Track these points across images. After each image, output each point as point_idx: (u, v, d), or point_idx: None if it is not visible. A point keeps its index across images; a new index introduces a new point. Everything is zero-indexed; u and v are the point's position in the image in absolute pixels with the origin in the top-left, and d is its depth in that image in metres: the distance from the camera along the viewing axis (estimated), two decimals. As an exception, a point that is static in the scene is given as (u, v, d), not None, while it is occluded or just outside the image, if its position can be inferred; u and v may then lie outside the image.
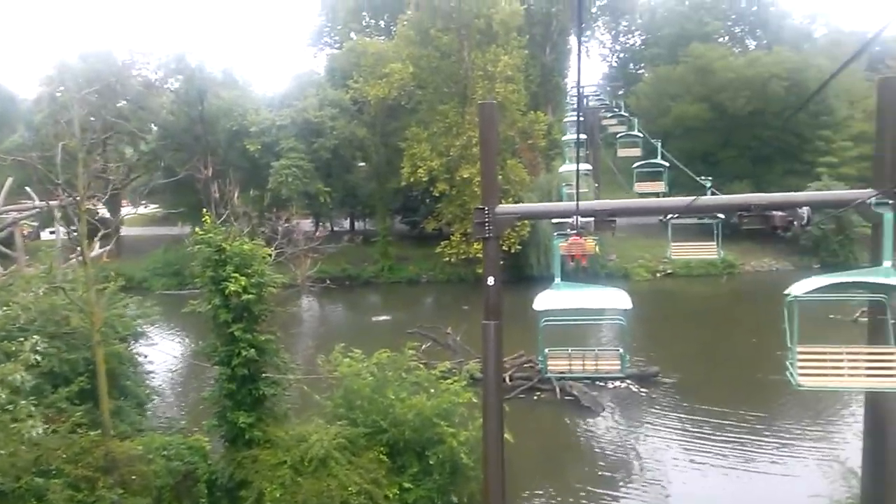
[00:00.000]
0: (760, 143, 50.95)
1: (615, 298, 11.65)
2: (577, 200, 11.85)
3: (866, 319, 30.27)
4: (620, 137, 37.78)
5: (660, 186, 30.46)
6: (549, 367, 11.98)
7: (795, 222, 11.76)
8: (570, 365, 11.87)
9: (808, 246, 47.86)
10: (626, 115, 45.12)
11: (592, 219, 12.20)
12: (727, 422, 21.11)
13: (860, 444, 18.23)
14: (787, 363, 10.43)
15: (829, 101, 51.32)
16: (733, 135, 54.06)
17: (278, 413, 16.43)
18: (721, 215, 17.16)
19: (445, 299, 44.88)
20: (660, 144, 28.56)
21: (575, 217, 11.76)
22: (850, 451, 16.20)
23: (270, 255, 16.18)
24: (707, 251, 17.76)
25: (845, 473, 14.41)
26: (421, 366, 17.74)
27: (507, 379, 24.71)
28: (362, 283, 49.79)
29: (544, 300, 11.54)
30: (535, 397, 24.22)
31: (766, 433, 20.33)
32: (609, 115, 47.37)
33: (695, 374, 25.94)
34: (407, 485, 15.51)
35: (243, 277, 14.69)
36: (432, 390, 16.70)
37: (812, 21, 69.78)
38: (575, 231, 12.26)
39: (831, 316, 33.98)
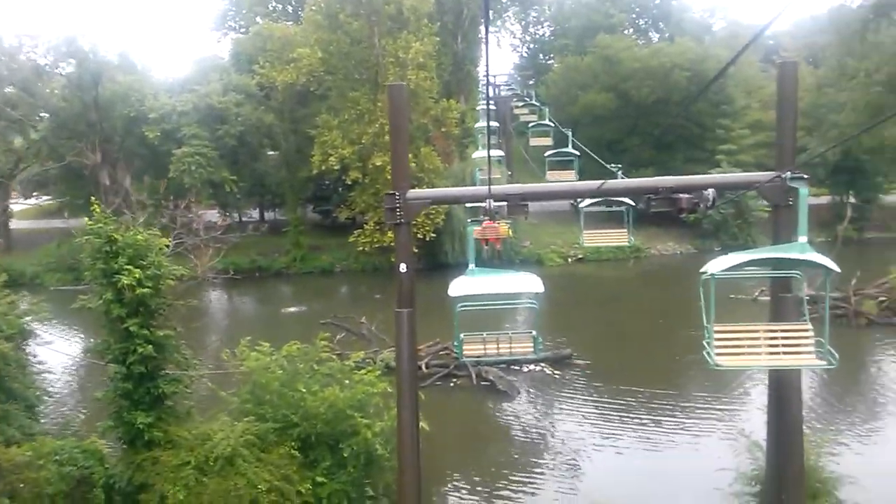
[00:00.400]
0: (664, 131, 52.66)
1: (528, 283, 11.72)
2: (490, 185, 11.63)
3: (767, 298, 31.95)
4: (532, 127, 38.06)
5: (571, 175, 30.98)
6: (464, 352, 11.97)
7: (701, 204, 11.96)
8: (485, 349, 11.88)
9: (709, 230, 49.95)
10: (538, 104, 45.58)
11: (505, 203, 12.06)
12: (638, 401, 21.64)
13: (764, 418, 19.19)
14: (704, 343, 10.34)
15: (728, 91, 53.61)
16: (639, 123, 55.69)
17: (180, 412, 15.54)
18: (631, 202, 17.47)
19: (360, 289, 44.21)
20: (570, 133, 28.86)
21: (488, 201, 11.54)
22: (755, 424, 16.86)
23: (168, 246, 15.23)
24: (618, 238, 17.93)
25: (750, 446, 14.90)
26: (334, 357, 17.19)
27: (424, 367, 24.50)
28: (274, 275, 48.34)
29: (459, 286, 11.38)
30: (452, 384, 24.11)
31: (675, 411, 20.96)
32: (521, 104, 47.73)
33: (606, 356, 26.51)
34: (320, 479, 14.99)
35: (137, 270, 13.73)
36: (346, 381, 16.22)
37: (711, 15, 72.83)
38: (488, 216, 12.13)
39: (731, 296, 35.68)
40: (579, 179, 35.66)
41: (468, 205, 16.12)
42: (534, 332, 11.90)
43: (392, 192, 12.13)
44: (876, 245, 49.09)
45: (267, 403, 15.60)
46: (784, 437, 11.96)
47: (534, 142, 36.89)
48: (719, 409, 21.10)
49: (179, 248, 16.08)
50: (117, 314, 13.94)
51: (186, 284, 16.58)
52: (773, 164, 12.75)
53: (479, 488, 16.91)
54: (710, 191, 11.78)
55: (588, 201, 17.86)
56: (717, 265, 9.79)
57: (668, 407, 21.20)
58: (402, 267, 12.28)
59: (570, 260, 48.77)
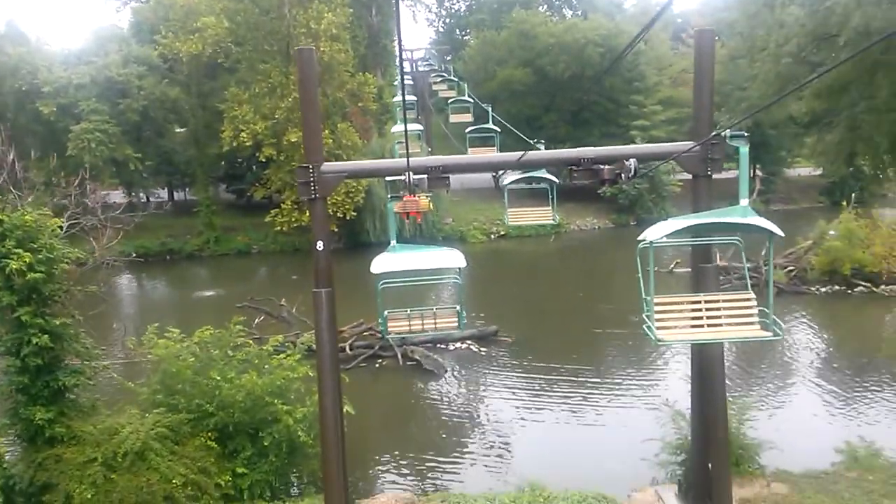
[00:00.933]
0: (580, 107, 53.38)
1: (450, 258, 11.55)
2: (408, 157, 11.10)
3: (684, 270, 32.81)
4: (452, 103, 37.54)
5: (492, 151, 30.86)
6: (389, 329, 11.69)
7: (623, 175, 11.86)
8: (409, 325, 11.63)
9: (625, 205, 51.11)
10: (456, 79, 45.09)
11: (425, 177, 11.61)
12: (562, 375, 21.76)
13: (686, 387, 19.64)
14: (644, 316, 9.90)
15: (640, 69, 54.71)
16: (555, 99, 56.13)
17: (84, 405, 14.39)
18: (554, 178, 17.28)
19: (279, 270, 42.92)
20: (490, 109, 28.54)
21: (407, 174, 11.01)
22: (677, 394, 17.22)
23: (61, 227, 13.94)
24: (542, 215, 17.56)
25: (674, 416, 15.13)
26: (250, 342, 16.34)
27: (348, 348, 23.90)
28: (186, 258, 46.24)
29: (381, 263, 11.07)
30: (378, 365, 23.60)
31: (600, 384, 21.17)
32: (439, 79, 47.10)
33: (530, 331, 26.61)
34: (241, 470, 14.26)
35: (28, 253, 12.48)
36: (265, 367, 15.45)
37: (622, -8, 74.09)
38: (408, 190, 11.67)
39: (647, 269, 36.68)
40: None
41: (388, 179, 15.49)
42: (458, 307, 11.72)
43: (305, 165, 11.42)
44: (781, 217, 51.46)
45: (179, 393, 14.67)
46: (708, 407, 12.09)
47: (454, 118, 36.35)
48: (642, 381, 21.47)
49: (75, 229, 14.73)
50: (7, 302, 12.68)
51: (87, 269, 15.30)
52: (684, 139, 12.80)
53: (407, 470, 16.56)
54: (632, 161, 11.70)
55: (511, 177, 17.53)
56: (655, 232, 9.46)
57: (592, 380, 21.40)
58: (319, 244, 11.62)
59: (492, 237, 48.92)
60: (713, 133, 12.05)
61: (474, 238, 47.77)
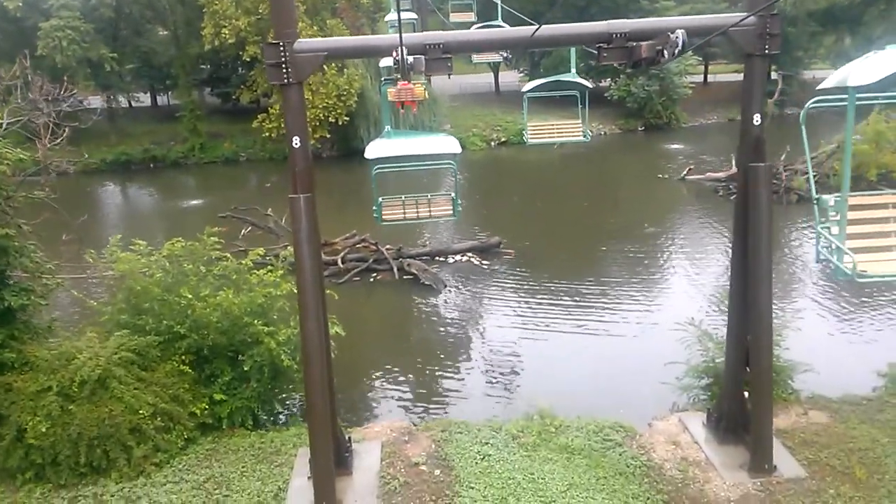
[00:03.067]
0: (587, 2, 49.72)
1: (445, 143, 11.34)
2: (401, 32, 8.94)
3: (696, 177, 30.82)
4: (452, 0, 34.40)
5: (470, 16, 29.50)
6: (383, 217, 11.33)
7: (665, 52, 9.70)
8: (404, 213, 11.40)
9: (633, 109, 48.48)
10: (455, -28, 41.48)
11: (423, 57, 9.46)
12: (570, 293, 20.18)
13: (708, 306, 18.17)
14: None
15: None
16: (562, -5, 52.31)
17: (40, 327, 12.83)
18: (587, 83, 14.96)
19: (269, 179, 40.77)
20: (500, 3, 25.67)
21: (399, 50, 8.87)
22: (699, 314, 15.71)
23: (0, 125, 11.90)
24: (570, 131, 15.22)
25: (701, 336, 13.60)
26: (228, 256, 14.56)
27: (340, 261, 22.26)
28: (171, 166, 44.06)
29: (375, 148, 10.76)
30: (372, 279, 22.02)
31: (611, 300, 19.62)
32: (437, -26, 43.47)
33: (534, 244, 24.90)
34: (219, 396, 12.78)
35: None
36: (246, 285, 13.74)
37: None
38: (402, 76, 10.06)
39: (660, 175, 34.69)
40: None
41: (382, 65, 13.52)
42: (453, 194, 11.52)
43: (275, 41, 9.29)
44: (796, 122, 48.86)
45: (146, 313, 13.02)
46: (752, 328, 10.45)
47: (454, 17, 33.19)
48: (657, 298, 19.89)
49: (16, 126, 12.65)
50: (-67, 211, 10.87)
51: (48, 176, 13.26)
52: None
53: (404, 395, 15.18)
54: (680, 32, 9.47)
55: (532, 85, 15.16)
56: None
57: (603, 296, 19.85)
58: (295, 141, 9.64)
59: (492, 144, 46.58)
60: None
61: (474, 145, 45.40)
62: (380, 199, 11.21)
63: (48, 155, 12.74)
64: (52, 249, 15.17)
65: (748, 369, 11.21)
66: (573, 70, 14.08)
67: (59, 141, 14.31)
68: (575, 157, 43.60)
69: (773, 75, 54.34)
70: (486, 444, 11.70)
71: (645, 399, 13.98)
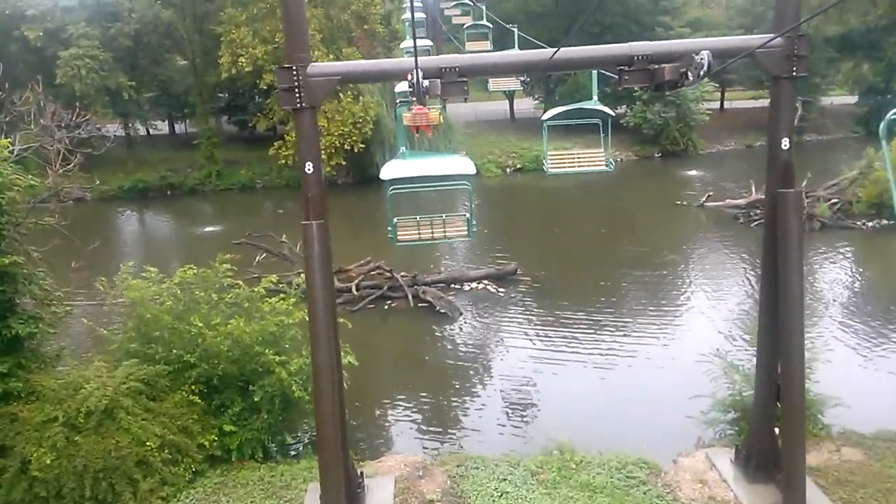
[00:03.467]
0: (602, 29, 49.73)
1: (460, 164, 11.47)
2: (416, 54, 8.71)
3: (715, 203, 30.37)
4: (468, 28, 34.38)
5: (486, 45, 29.52)
6: (398, 238, 11.34)
7: (690, 74, 9.39)
8: (419, 233, 11.36)
9: (650, 135, 48.13)
10: (471, 2, 41.66)
11: (438, 80, 9.22)
12: (589, 322, 19.71)
13: (732, 339, 17.60)
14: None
15: (666, -11, 50.94)
16: (576, 21, 52.43)
17: (47, 356, 12.59)
18: (608, 110, 14.47)
19: (284, 206, 40.67)
20: (516, 31, 25.54)
21: (415, 73, 8.63)
22: (724, 345, 15.21)
23: (11, 151, 11.78)
24: (592, 160, 14.52)
25: (727, 368, 13.11)
26: (240, 283, 14.32)
27: (354, 289, 21.98)
28: (188, 192, 44.15)
29: (391, 169, 10.82)
30: (386, 307, 21.68)
31: (631, 331, 19.10)
32: (451, 4, 43.51)
33: (551, 271, 24.50)
34: (228, 428, 12.46)
35: (-38, 178, 10.42)
36: (258, 313, 13.45)
37: None
38: (417, 100, 10.28)
39: (678, 202, 34.23)
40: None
41: (397, 90, 13.44)
42: (467, 214, 11.47)
43: (288, 66, 9.11)
44: (815, 148, 48.50)
45: (156, 342, 12.77)
46: (783, 360, 9.98)
47: (470, 46, 33.10)
48: (679, 329, 19.35)
49: (27, 152, 12.55)
50: (-59, 238, 10.71)
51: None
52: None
53: (418, 428, 14.74)
54: (705, 54, 9.16)
55: (552, 113, 14.75)
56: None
57: (622, 326, 19.36)
58: (308, 166, 9.42)
59: (508, 170, 46.36)
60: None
61: (489, 172, 45.22)
62: (395, 219, 11.23)
63: (59, 181, 12.60)
64: (62, 277, 15.05)
65: (778, 404, 10.73)
66: (595, 97, 13.74)
67: (71, 167, 14.24)
68: (591, 184, 43.16)
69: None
70: (504, 480, 11.25)
71: (668, 433, 13.44)
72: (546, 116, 13.41)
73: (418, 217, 11.60)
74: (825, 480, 10.78)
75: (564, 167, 14.05)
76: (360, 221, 34.95)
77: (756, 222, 29.31)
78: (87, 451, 10.94)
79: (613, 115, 12.96)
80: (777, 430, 10.83)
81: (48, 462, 10.79)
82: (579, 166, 14.20)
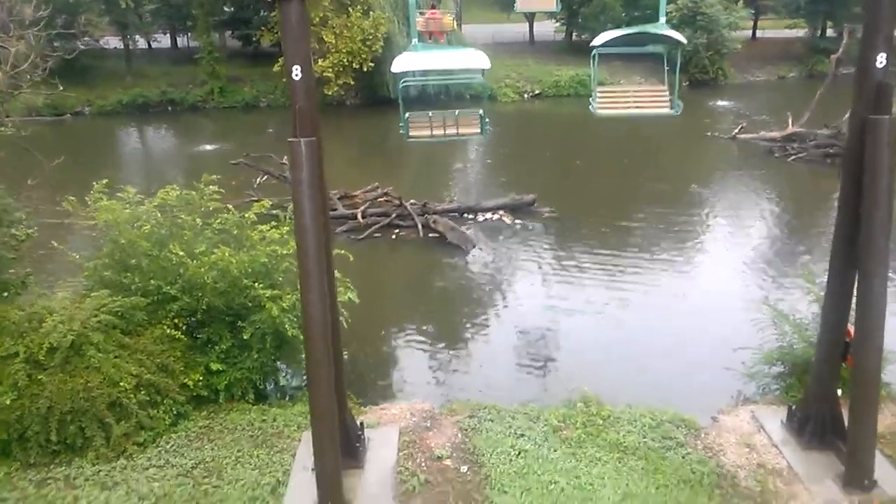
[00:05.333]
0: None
1: (473, 58, 10.73)
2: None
3: (747, 136, 28.33)
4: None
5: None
6: (410, 134, 10.84)
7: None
8: (431, 131, 10.86)
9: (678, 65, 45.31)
10: None
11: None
12: (614, 258, 18.21)
13: (777, 287, 16.02)
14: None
15: None
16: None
17: (11, 283, 11.23)
18: (682, 38, 11.87)
19: (290, 126, 38.73)
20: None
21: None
22: (769, 293, 13.65)
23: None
24: (653, 98, 11.93)
25: (777, 317, 11.62)
26: (230, 207, 12.75)
27: (360, 216, 20.46)
28: (189, 109, 42.19)
29: (402, 61, 10.30)
30: (394, 236, 20.16)
31: (659, 269, 17.60)
32: None
33: (571, 202, 22.81)
34: (215, 366, 11.15)
35: None
36: (248, 242, 11.95)
37: None
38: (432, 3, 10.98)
39: (708, 134, 32.13)
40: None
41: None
42: (481, 111, 10.91)
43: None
44: (851, 81, 45.56)
45: (133, 270, 11.33)
46: (859, 321, 8.43)
47: None
48: (711, 269, 17.77)
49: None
50: None
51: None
52: None
53: (426, 372, 13.41)
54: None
55: (606, 37, 11.93)
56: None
57: (648, 265, 17.80)
58: (296, 71, 7.77)
59: (526, 96, 43.96)
60: None
61: (506, 97, 42.84)
62: (406, 115, 10.69)
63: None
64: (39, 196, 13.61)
65: (844, 364, 9.30)
66: (662, 19, 11.31)
67: (40, 73, 12.49)
68: (613, 112, 40.97)
69: (830, 31, 50.78)
70: (522, 436, 9.95)
71: (704, 386, 12.14)
72: (598, 42, 10.95)
73: (430, 113, 10.98)
74: (892, 450, 9.42)
75: (618, 108, 11.74)
76: (369, 145, 33.13)
77: (794, 157, 27.39)
78: (51, 390, 9.66)
79: (686, 42, 10.82)
80: (840, 392, 9.43)
81: (8, 402, 9.56)
82: (637, 107, 11.83)
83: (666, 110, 11.12)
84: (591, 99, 10.54)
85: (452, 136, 10.93)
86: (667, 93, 11.16)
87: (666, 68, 12.61)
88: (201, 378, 11.05)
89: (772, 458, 9.45)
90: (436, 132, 10.87)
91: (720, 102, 40.65)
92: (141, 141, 39.08)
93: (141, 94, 41.87)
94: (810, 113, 29.38)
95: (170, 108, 42.15)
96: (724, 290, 16.18)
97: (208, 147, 33.39)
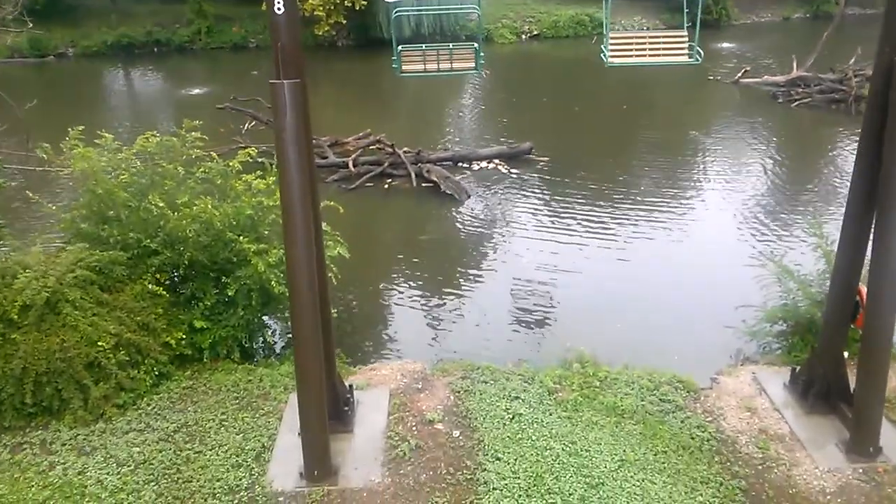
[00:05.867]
0: None
1: None
2: None
3: (749, 80, 27.45)
4: None
5: None
6: (402, 69, 10.36)
7: None
8: (424, 65, 10.39)
9: (679, 3, 43.81)
10: None
11: None
12: (612, 210, 17.66)
13: (784, 243, 15.50)
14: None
15: None
16: None
17: (-18, 234, 10.72)
18: None
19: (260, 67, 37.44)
20: None
21: None
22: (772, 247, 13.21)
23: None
24: (671, 48, 10.47)
25: (781, 273, 11.21)
26: (214, 155, 12.15)
27: (352, 164, 19.81)
28: (176, 50, 40.71)
29: None
30: (387, 185, 19.52)
31: (659, 220, 17.10)
32: None
33: (569, 150, 22.15)
34: (199, 323, 10.75)
35: None
36: (233, 192, 11.39)
37: None
38: None
39: (710, 77, 31.19)
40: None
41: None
42: (476, 45, 10.40)
43: None
44: (859, 22, 44.27)
45: (111, 223, 10.80)
46: (873, 277, 8.00)
47: None
48: (711, 220, 17.28)
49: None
50: None
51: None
52: None
53: (416, 329, 13.04)
54: None
55: None
56: None
57: (646, 217, 17.24)
58: (278, 4, 7.07)
59: (524, 37, 42.48)
60: None
61: (503, 38, 41.41)
62: (399, 48, 10.17)
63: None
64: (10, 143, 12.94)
65: (853, 325, 8.94)
66: None
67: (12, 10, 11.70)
68: (613, 55, 39.74)
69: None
70: (517, 398, 9.64)
71: (702, 344, 11.85)
72: None
73: (424, 46, 10.42)
74: (896, 414, 9.14)
75: (632, 56, 10.73)
76: (361, 88, 32.09)
77: (798, 102, 26.61)
78: (26, 350, 9.26)
79: None
80: (846, 354, 9.09)
81: (-21, 363, 9.18)
82: (653, 56, 10.78)
83: (684, 58, 10.35)
84: (602, 47, 9.77)
85: (446, 72, 10.49)
86: (685, 38, 10.34)
87: (685, 11, 11.78)
88: (184, 336, 10.66)
89: (773, 423, 9.16)
90: (429, 66, 10.41)
91: (723, 45, 39.43)
92: (126, 84, 37.85)
93: (126, 34, 40.31)
94: (816, 56, 28.49)
95: (156, 50, 40.63)
96: (724, 242, 15.76)
97: (194, 91, 32.26)
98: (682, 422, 9.16)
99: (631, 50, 10.35)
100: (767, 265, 11.52)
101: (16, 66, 38.58)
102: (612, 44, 10.17)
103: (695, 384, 10.13)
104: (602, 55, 9.80)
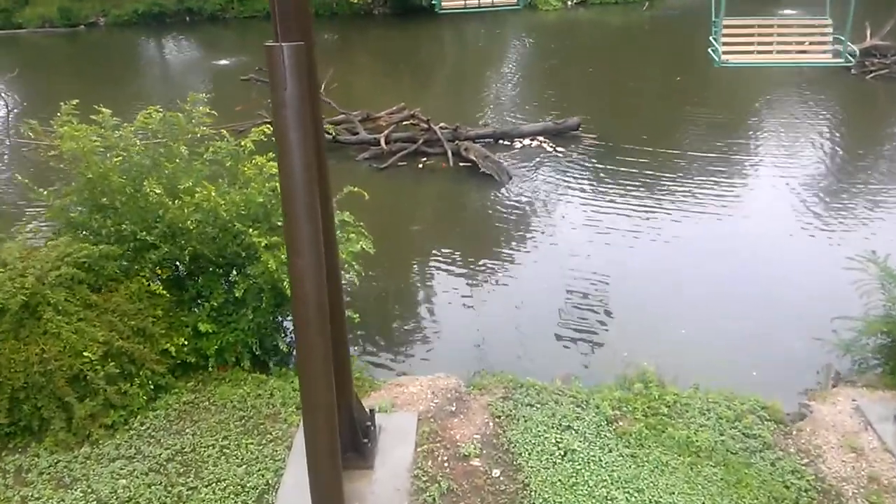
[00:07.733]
0: None
1: None
2: None
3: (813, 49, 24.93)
4: None
5: None
6: (442, 5, 9.61)
7: None
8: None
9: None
10: None
11: None
12: (675, 194, 15.85)
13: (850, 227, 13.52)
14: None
15: None
16: None
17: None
18: None
19: (317, 38, 36.04)
20: None
21: None
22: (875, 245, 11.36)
23: None
24: (810, 40, 8.52)
25: (885, 276, 9.37)
26: (225, 133, 10.75)
27: (384, 142, 18.28)
28: (208, 19, 39.63)
29: None
30: (421, 165, 17.97)
31: (723, 210, 15.23)
32: None
33: (619, 127, 20.22)
34: (205, 327, 9.41)
35: None
36: (243, 177, 9.97)
37: None
38: None
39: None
40: None
41: None
42: None
43: None
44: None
45: (106, 211, 9.48)
46: None
47: None
48: (784, 214, 15.25)
49: None
50: None
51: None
52: None
53: (449, 328, 11.56)
54: None
55: None
56: None
57: (712, 205, 15.37)
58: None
59: (569, 3, 40.13)
60: None
61: (547, 4, 39.10)
62: None
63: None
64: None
65: None
66: None
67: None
68: (666, 21, 37.26)
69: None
70: (569, 428, 8.09)
71: (784, 356, 10.13)
72: None
73: None
74: None
75: (754, 54, 8.37)
76: (397, 60, 30.44)
77: (873, 74, 24.15)
78: (0, 363, 8.04)
79: None
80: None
81: (-50, 376, 7.99)
82: (782, 55, 8.39)
83: (827, 59, 8.17)
84: (711, 38, 7.60)
85: (487, 7, 9.63)
86: (829, 30, 8.19)
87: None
88: (187, 342, 9.36)
89: (886, 469, 7.46)
90: (469, 1, 9.58)
91: (786, 11, 36.57)
92: (158, 54, 36.86)
93: (157, 2, 39.41)
94: (894, 23, 25.84)
95: (187, 18, 39.65)
96: (802, 236, 13.89)
97: (223, 62, 30.96)
98: (772, 464, 7.53)
99: (752, 44, 8.19)
100: (867, 267, 9.64)
101: (46, 35, 37.86)
102: (725, 36, 8.06)
103: (781, 411, 8.47)
104: (711, 51, 7.59)
